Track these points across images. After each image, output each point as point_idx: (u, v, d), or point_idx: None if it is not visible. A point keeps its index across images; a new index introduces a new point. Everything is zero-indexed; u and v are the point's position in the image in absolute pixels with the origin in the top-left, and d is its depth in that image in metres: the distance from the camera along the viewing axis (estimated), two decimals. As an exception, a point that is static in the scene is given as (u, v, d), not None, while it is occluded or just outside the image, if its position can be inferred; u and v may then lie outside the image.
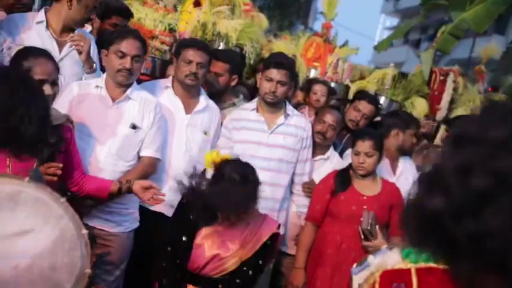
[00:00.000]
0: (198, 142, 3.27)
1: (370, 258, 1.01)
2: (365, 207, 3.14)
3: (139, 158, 2.94)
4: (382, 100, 4.78)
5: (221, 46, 4.43)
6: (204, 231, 2.62)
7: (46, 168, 2.27)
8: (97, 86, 2.88)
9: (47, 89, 2.33)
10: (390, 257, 0.97)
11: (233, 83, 3.76)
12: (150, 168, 2.93)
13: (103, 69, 3.14)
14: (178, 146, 3.20)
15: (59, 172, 2.31)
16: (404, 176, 3.76)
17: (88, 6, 3.03)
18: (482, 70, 5.98)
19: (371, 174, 3.27)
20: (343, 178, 3.28)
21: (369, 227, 3.05)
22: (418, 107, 4.91)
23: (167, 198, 3.05)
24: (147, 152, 2.94)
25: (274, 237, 2.70)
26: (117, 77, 2.85)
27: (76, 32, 3.03)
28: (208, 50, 3.34)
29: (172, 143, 3.18)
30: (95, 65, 3.07)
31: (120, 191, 2.68)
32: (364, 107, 3.97)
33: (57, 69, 2.46)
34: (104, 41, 3.02)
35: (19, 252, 1.39)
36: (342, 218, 3.22)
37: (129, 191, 2.66)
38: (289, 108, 3.43)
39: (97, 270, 2.94)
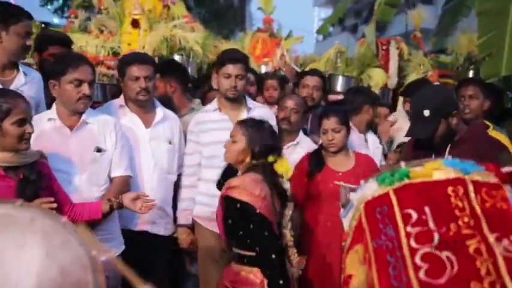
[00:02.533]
0: (165, 153, 3.24)
1: (352, 196, 1.02)
2: (342, 182, 3.16)
3: (110, 180, 2.89)
4: (339, 79, 4.89)
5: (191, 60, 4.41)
6: None
7: (39, 205, 2.21)
8: (50, 119, 2.79)
9: (28, 128, 2.33)
10: (368, 188, 0.99)
11: (171, 89, 3.75)
12: (123, 187, 2.87)
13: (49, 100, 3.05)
14: (147, 161, 3.17)
15: (54, 205, 2.27)
16: (373, 146, 3.89)
17: (19, 33, 2.89)
18: (418, 36, 6.19)
19: (342, 149, 3.30)
20: (316, 159, 3.31)
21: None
22: (376, 77, 5.00)
23: (147, 216, 3.01)
24: (118, 172, 2.89)
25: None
26: (78, 105, 2.77)
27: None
28: (151, 61, 3.33)
29: (140, 159, 3.14)
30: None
31: (112, 209, 2.65)
32: (310, 80, 4.19)
33: (31, 108, 2.45)
34: (49, 72, 2.88)
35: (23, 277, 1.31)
36: (322, 198, 3.24)
37: (120, 206, 2.65)
38: (250, 101, 3.43)
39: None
